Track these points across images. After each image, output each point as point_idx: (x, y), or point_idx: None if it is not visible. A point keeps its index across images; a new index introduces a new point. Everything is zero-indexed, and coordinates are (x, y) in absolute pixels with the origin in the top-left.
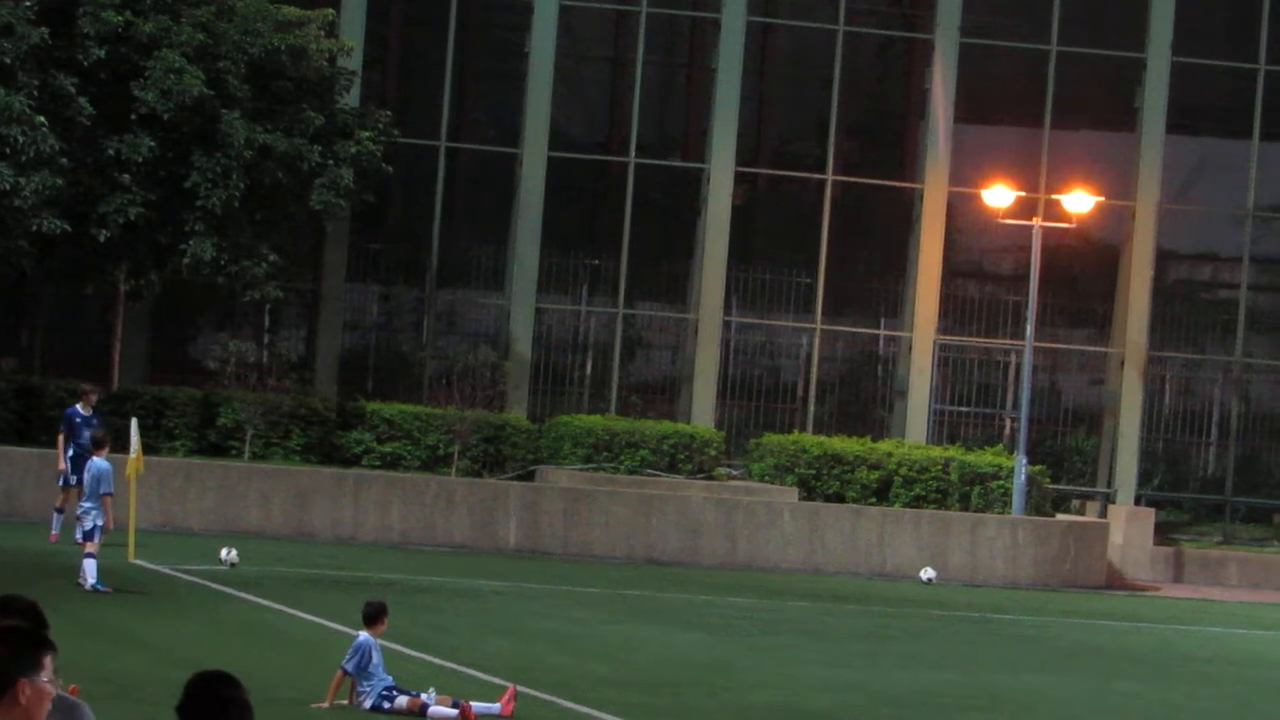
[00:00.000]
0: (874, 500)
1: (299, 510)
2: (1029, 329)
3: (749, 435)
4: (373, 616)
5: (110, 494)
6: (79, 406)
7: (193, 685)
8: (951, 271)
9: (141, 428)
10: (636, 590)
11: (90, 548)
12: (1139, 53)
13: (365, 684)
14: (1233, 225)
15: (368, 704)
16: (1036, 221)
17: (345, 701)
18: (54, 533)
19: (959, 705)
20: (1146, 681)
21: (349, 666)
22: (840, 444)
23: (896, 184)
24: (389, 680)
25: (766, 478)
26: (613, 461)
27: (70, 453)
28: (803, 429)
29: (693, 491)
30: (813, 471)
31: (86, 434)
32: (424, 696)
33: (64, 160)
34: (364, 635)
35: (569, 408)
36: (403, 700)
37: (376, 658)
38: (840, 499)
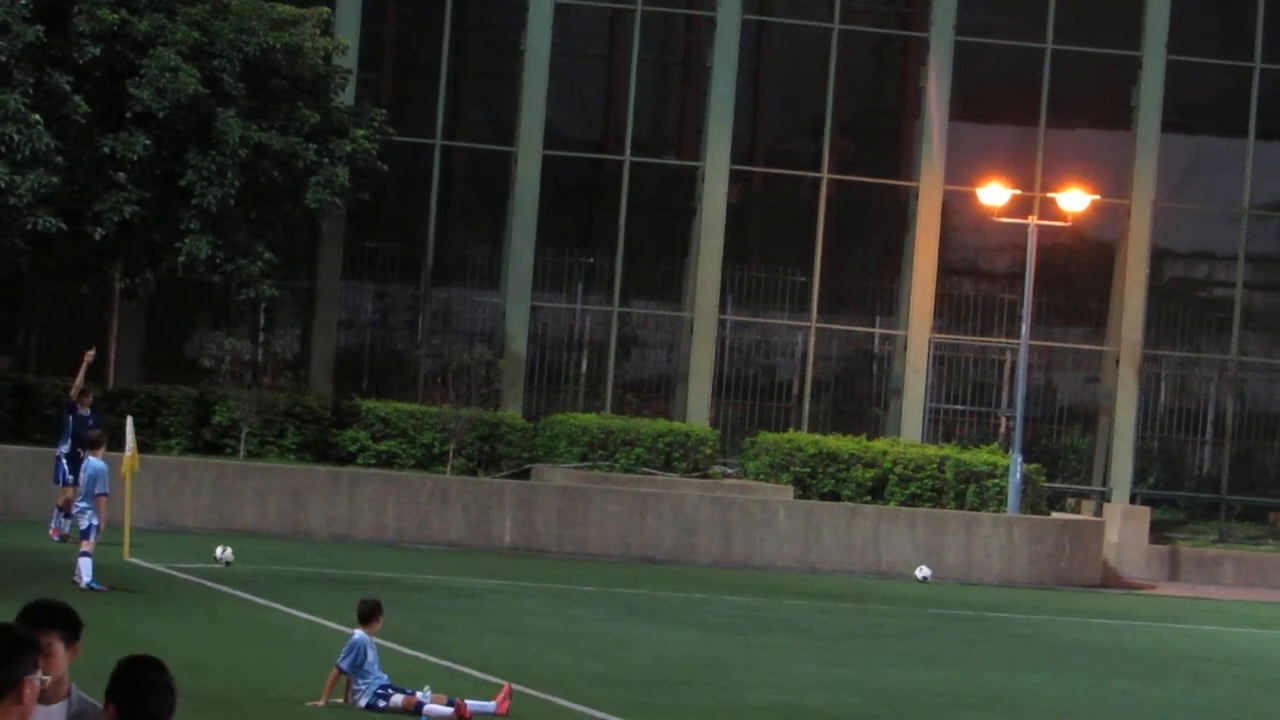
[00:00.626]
0: (869, 499)
1: (294, 508)
2: (1024, 327)
3: (744, 434)
4: (368, 615)
5: (105, 494)
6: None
7: (121, 668)
8: (946, 270)
9: (137, 426)
10: (632, 588)
11: (86, 546)
12: (1134, 51)
13: (360, 682)
14: (1228, 223)
15: (363, 702)
16: (1032, 220)
17: (340, 700)
18: (53, 528)
19: (955, 704)
20: (1142, 680)
21: (344, 664)
22: (835, 442)
23: (892, 182)
24: (384, 678)
25: (762, 476)
26: (608, 460)
27: (65, 449)
28: (798, 427)
29: (688, 490)
30: (808, 470)
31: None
32: (419, 695)
33: (59, 158)
34: (359, 633)
35: (564, 406)
36: (398, 698)
37: (372, 656)
38: (835, 497)
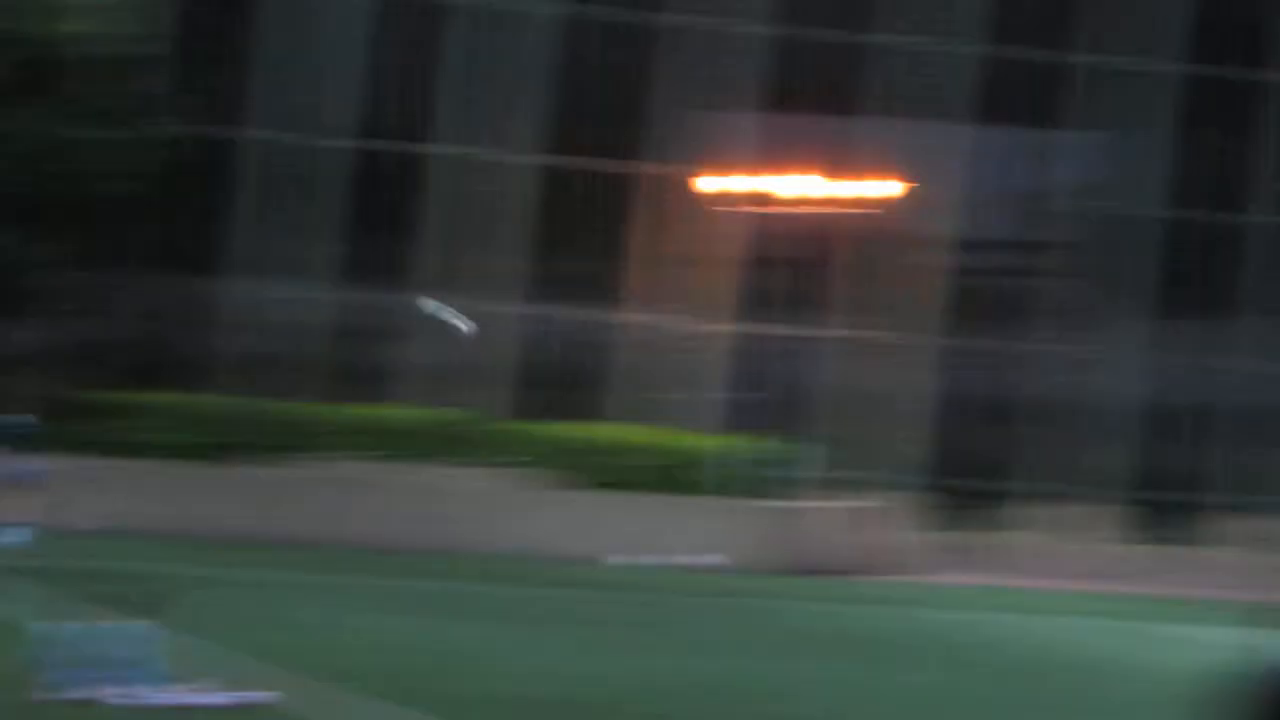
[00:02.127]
0: (653, 489)
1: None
2: (823, 317)
3: (534, 424)
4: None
5: None
6: None
7: None
8: (740, 260)
9: None
10: (397, 580)
11: None
12: (945, 41)
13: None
14: (1026, 213)
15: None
16: (833, 210)
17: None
18: None
19: (741, 695)
20: (878, 665)
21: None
22: (621, 433)
23: (655, 170)
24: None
25: (541, 466)
26: (385, 450)
27: None
28: (589, 418)
29: (458, 480)
30: (592, 460)
31: None
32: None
33: None
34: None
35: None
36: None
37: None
38: (616, 487)
